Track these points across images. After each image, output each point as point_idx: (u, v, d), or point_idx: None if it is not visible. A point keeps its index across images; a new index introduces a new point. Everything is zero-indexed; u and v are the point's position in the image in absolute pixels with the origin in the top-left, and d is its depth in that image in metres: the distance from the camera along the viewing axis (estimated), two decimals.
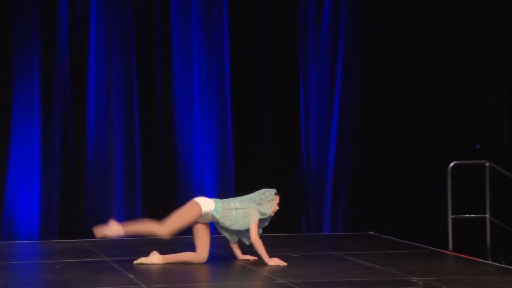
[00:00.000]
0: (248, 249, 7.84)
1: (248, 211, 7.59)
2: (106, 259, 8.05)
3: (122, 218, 9.52)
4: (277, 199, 7.75)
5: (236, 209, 7.59)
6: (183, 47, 9.89)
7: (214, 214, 7.57)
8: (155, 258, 7.59)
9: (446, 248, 8.74)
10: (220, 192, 9.93)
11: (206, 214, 7.59)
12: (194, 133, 9.92)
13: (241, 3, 10.05)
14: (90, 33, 9.60)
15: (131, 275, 7.21)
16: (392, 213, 10.17)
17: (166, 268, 7.60)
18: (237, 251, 7.91)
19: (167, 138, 9.83)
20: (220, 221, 7.58)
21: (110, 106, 9.68)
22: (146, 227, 7.57)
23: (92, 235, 9.36)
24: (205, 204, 7.59)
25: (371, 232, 9.96)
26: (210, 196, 8.25)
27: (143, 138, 9.75)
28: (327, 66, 10.23)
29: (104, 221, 9.46)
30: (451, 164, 8.97)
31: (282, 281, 6.98)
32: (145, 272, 7.37)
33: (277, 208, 7.73)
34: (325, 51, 10.21)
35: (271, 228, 9.92)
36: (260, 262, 7.77)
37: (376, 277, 7.12)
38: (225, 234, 7.73)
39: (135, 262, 7.57)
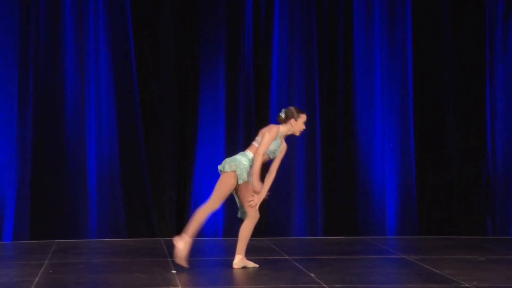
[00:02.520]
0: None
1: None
2: (287, 257, 8.13)
3: (303, 218, 9.59)
4: (302, 117, 7.53)
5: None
6: (364, 47, 9.84)
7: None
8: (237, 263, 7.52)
9: None
10: (402, 194, 9.79)
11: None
12: (375, 133, 9.84)
13: (425, 1, 9.87)
14: (274, 35, 9.73)
15: (312, 274, 7.25)
16: None
17: (347, 266, 7.58)
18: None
19: (347, 138, 9.81)
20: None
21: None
22: (200, 217, 7.42)
23: (273, 234, 9.53)
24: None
25: None
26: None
27: (323, 138, 9.77)
28: None
29: (285, 220, 9.63)
30: None
31: (467, 285, 6.80)
32: (326, 271, 7.38)
33: (303, 127, 7.55)
34: None
35: (454, 230, 9.73)
36: (438, 263, 7.61)
37: None
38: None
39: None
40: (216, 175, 9.54)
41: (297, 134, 7.63)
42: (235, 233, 9.43)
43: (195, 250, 8.81)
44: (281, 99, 9.73)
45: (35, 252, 8.40)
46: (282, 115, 7.54)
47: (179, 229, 9.47)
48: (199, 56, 9.59)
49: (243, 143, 9.64)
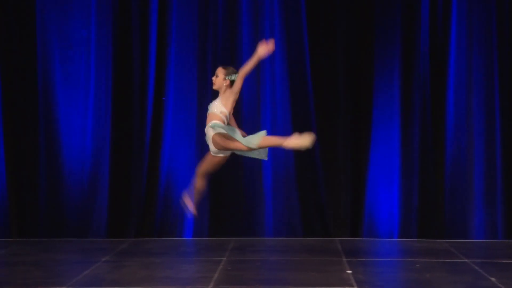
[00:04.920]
0: None
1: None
2: (466, 260, 7.94)
3: (482, 220, 9.34)
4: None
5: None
6: None
7: None
8: None
9: None
10: None
11: None
12: None
13: None
14: (451, 34, 9.51)
15: (493, 278, 7.04)
16: None
17: None
18: None
19: None
20: None
21: (470, 106, 9.52)
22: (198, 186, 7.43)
23: (452, 236, 9.33)
24: None
25: None
26: None
27: (504, 136, 9.45)
28: None
29: (463, 222, 9.41)
30: None
31: None
32: (508, 276, 7.15)
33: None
34: None
35: None
36: None
37: None
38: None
39: None
40: (390, 173, 9.51)
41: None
42: (410, 235, 9.37)
43: (369, 251, 8.79)
44: (458, 98, 9.51)
45: (213, 249, 8.61)
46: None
47: (354, 230, 9.49)
48: (373, 56, 9.51)
49: (419, 143, 9.50)
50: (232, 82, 7.49)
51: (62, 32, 9.49)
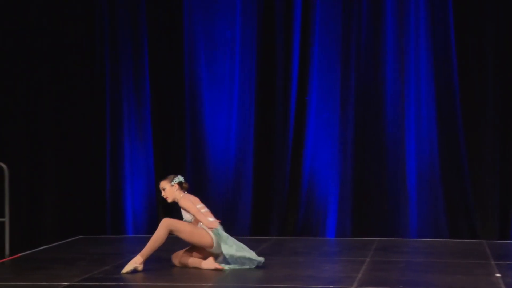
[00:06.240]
0: None
1: None
2: None
3: None
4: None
5: None
6: None
7: None
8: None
9: None
10: None
11: None
12: None
13: None
14: None
15: None
16: None
17: None
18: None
19: None
20: None
21: None
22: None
23: None
24: None
25: None
26: None
27: None
28: None
29: None
30: None
31: None
32: None
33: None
34: None
35: None
36: None
37: None
38: None
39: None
40: None
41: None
42: None
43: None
44: None
45: (357, 249, 8.56)
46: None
47: (503, 232, 9.21)
48: None
49: None
50: (180, 184, 7.64)
51: (208, 33, 9.67)
